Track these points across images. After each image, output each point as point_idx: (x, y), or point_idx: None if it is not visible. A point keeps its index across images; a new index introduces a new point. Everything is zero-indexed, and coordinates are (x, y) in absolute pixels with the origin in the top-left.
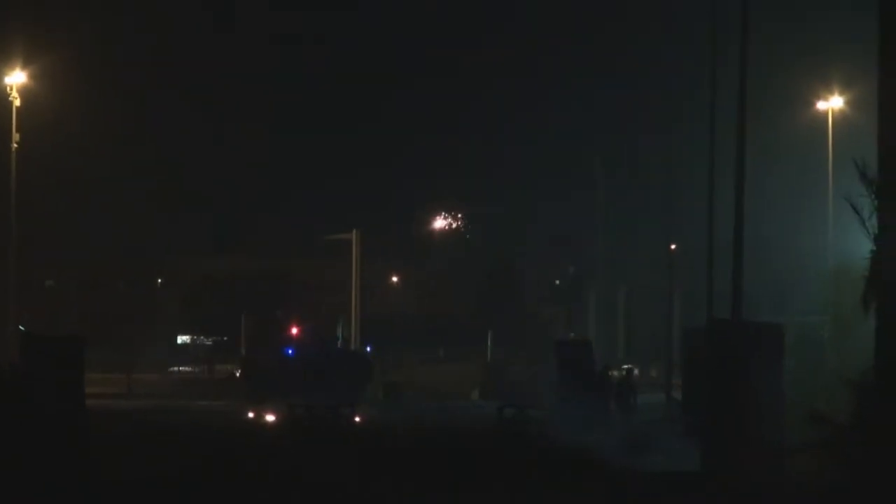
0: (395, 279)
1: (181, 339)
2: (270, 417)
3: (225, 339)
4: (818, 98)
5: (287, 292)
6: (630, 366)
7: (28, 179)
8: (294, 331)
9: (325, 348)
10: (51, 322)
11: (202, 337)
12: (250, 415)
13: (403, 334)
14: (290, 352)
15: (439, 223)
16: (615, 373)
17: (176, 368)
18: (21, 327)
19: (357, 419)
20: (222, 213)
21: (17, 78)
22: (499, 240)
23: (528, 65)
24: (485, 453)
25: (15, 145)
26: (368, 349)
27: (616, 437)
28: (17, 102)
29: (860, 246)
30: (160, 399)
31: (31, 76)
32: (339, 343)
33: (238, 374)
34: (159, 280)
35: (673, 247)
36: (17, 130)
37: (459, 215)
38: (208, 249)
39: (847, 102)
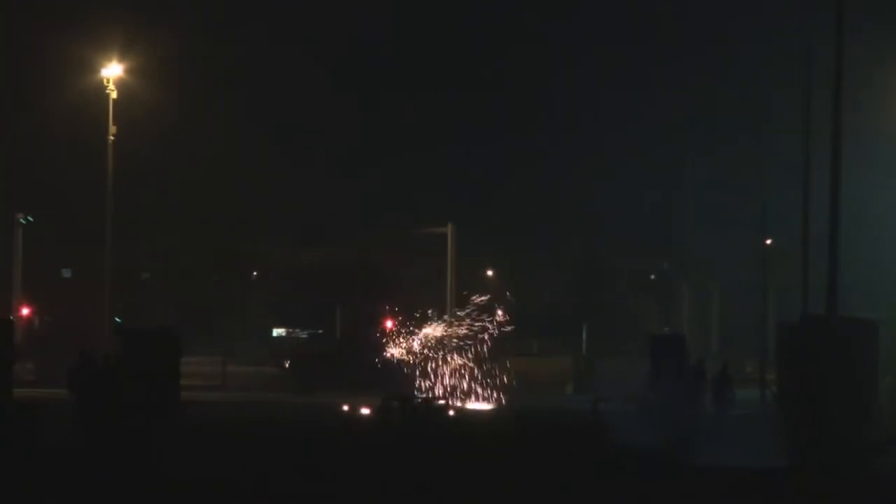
0: (489, 272)
1: (276, 332)
2: (365, 410)
3: (320, 332)
4: None
5: (382, 285)
6: (726, 360)
7: (124, 171)
8: (389, 324)
9: (370, 340)
10: (146, 314)
11: (297, 330)
12: (345, 407)
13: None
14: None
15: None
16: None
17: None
18: (117, 319)
19: (451, 412)
20: (316, 204)
21: (113, 71)
22: (592, 233)
23: (613, 57)
24: (567, 446)
25: (112, 138)
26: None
27: (707, 432)
28: (114, 95)
29: None
30: (255, 391)
31: (128, 70)
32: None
33: (287, 366)
34: (254, 273)
35: (769, 241)
36: (114, 123)
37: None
38: (302, 242)
39: None
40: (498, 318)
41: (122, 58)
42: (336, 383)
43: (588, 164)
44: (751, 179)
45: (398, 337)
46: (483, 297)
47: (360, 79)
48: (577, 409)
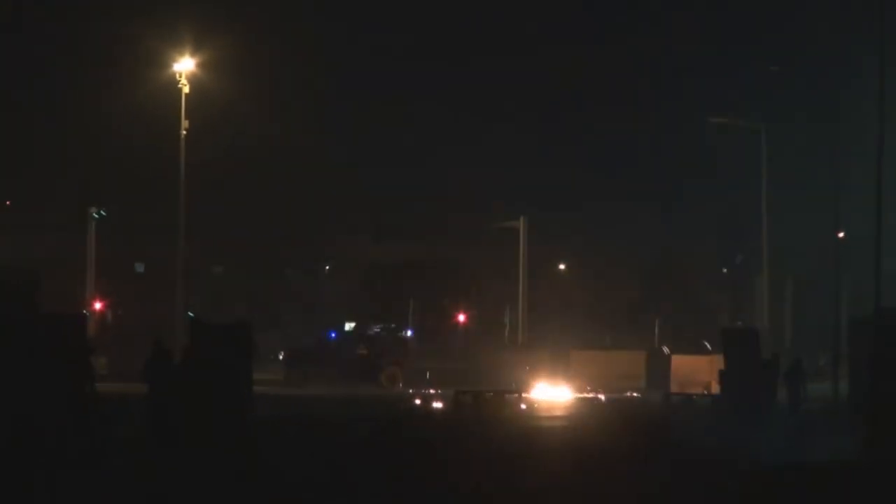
0: (562, 266)
1: (348, 326)
2: (437, 404)
3: (393, 326)
4: None
5: (454, 279)
6: (801, 355)
7: (198, 165)
8: (461, 317)
9: (363, 333)
10: (219, 308)
11: (370, 324)
12: (417, 401)
13: (570, 321)
14: (332, 336)
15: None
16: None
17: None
18: (190, 314)
19: (522, 406)
20: (388, 197)
21: (185, 65)
22: (665, 227)
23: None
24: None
25: (184, 132)
26: (409, 333)
27: (779, 427)
28: (186, 89)
29: None
30: (326, 387)
31: (199, 64)
32: (379, 328)
33: (281, 358)
34: (327, 267)
35: (841, 234)
36: (186, 117)
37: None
38: (374, 236)
39: None
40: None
41: (195, 52)
42: (326, 375)
43: (661, 157)
44: (825, 170)
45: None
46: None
47: (427, 72)
48: (648, 401)
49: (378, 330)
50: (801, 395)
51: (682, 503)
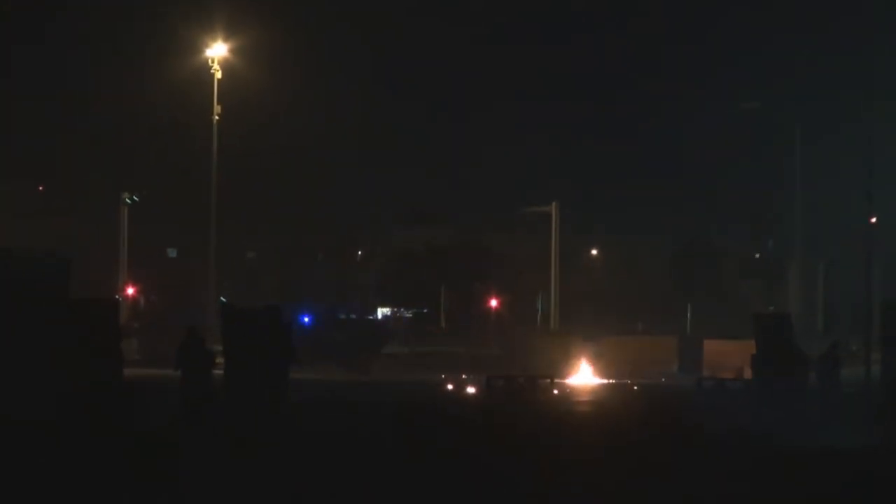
0: (594, 252)
1: (381, 311)
2: (471, 389)
3: (425, 311)
4: None
5: (486, 265)
6: (836, 340)
7: (230, 150)
8: (493, 303)
9: (337, 317)
10: (252, 293)
11: (402, 309)
12: (449, 387)
13: (602, 307)
14: (304, 320)
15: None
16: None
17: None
18: (222, 298)
19: (556, 391)
20: (418, 184)
21: (218, 51)
22: (697, 213)
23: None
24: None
25: (216, 117)
26: (388, 316)
27: (809, 411)
28: (219, 75)
29: None
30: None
31: (231, 50)
32: (346, 313)
33: None
34: (359, 252)
35: (874, 219)
36: (218, 103)
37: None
38: (408, 222)
39: None
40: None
41: (227, 38)
42: (320, 359)
43: (693, 143)
44: (857, 155)
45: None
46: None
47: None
48: (680, 386)
49: (352, 315)
50: (834, 380)
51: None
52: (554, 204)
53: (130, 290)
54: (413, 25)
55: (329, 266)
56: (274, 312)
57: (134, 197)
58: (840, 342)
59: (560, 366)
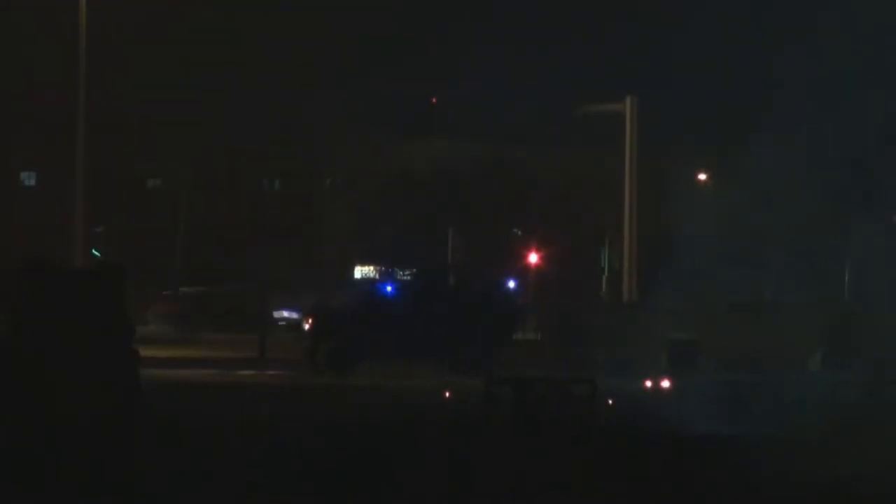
0: (701, 176)
1: (360, 271)
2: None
3: (431, 272)
4: None
5: (523, 197)
6: None
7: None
8: (533, 257)
9: (441, 283)
10: (155, 236)
11: (391, 269)
12: (447, 394)
13: (706, 265)
14: (388, 290)
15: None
16: None
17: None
18: (95, 252)
19: (610, 401)
20: (417, 83)
21: None
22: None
23: None
24: None
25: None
26: (512, 285)
27: None
28: None
29: None
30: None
31: None
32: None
33: (306, 328)
34: (328, 180)
35: None
36: None
37: None
38: (399, 135)
39: None
40: None
41: None
42: (390, 350)
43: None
44: None
45: None
46: None
47: None
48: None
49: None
50: None
51: None
52: (629, 99)
53: None
54: None
55: (286, 201)
56: (109, 275)
57: None
58: None
59: (492, 353)
